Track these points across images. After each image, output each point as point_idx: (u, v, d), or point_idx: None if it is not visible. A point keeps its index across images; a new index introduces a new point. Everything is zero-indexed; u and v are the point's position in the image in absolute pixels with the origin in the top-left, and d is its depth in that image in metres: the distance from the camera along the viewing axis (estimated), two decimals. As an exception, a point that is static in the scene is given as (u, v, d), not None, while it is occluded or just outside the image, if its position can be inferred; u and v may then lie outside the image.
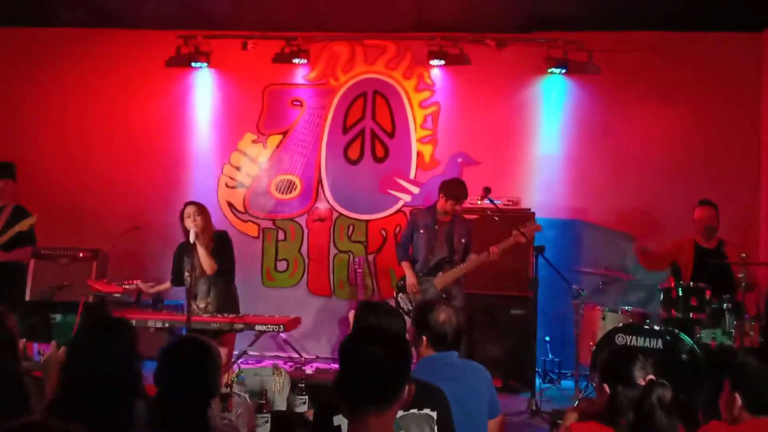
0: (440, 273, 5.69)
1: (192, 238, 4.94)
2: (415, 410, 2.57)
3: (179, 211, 5.28)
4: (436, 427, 2.59)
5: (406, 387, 1.95)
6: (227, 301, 5.28)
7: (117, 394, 2.40)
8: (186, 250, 5.22)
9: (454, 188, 5.70)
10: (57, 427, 1.61)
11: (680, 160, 6.80)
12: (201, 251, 5.06)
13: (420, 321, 3.16)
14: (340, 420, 2.45)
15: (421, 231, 5.80)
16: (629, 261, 6.57)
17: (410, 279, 5.73)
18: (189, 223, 5.10)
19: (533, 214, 6.30)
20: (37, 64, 7.54)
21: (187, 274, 5.21)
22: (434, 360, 3.08)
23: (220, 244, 5.27)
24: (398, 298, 5.82)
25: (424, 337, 3.11)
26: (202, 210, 5.23)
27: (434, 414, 2.60)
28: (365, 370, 1.89)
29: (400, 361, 1.94)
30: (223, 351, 5.15)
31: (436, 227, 5.76)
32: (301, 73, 7.40)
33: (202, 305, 5.21)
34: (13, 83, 7.56)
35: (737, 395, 2.72)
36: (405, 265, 5.80)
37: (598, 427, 2.54)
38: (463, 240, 5.73)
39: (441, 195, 5.72)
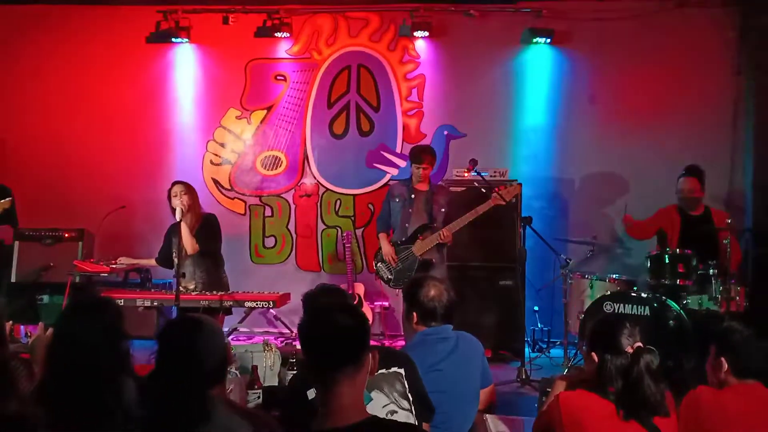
0: (419, 240, 5.70)
1: (178, 217, 4.92)
2: (383, 370, 2.66)
3: (164, 189, 5.25)
4: (405, 381, 2.67)
5: (370, 354, 2.07)
6: (214, 282, 5.27)
7: (105, 374, 2.38)
8: (174, 230, 5.21)
9: (413, 152, 5.83)
10: (11, 414, 1.59)
11: (665, 127, 6.80)
12: (184, 230, 5.03)
13: (410, 297, 3.18)
14: (312, 393, 2.50)
15: (396, 200, 5.85)
16: (616, 230, 6.61)
17: (386, 248, 5.79)
18: (175, 202, 5.07)
19: (520, 185, 6.30)
20: (16, 42, 7.40)
21: (174, 252, 5.21)
22: (428, 334, 3.11)
23: (206, 226, 5.24)
24: (377, 267, 5.90)
25: (414, 313, 3.14)
26: (188, 189, 5.20)
27: (402, 370, 2.69)
28: (334, 336, 2.03)
29: (362, 326, 2.09)
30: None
31: (413, 196, 5.79)
32: (283, 47, 7.31)
33: (191, 286, 5.20)
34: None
35: (723, 360, 2.76)
36: (381, 236, 5.89)
37: (587, 394, 2.57)
38: (443, 209, 5.74)
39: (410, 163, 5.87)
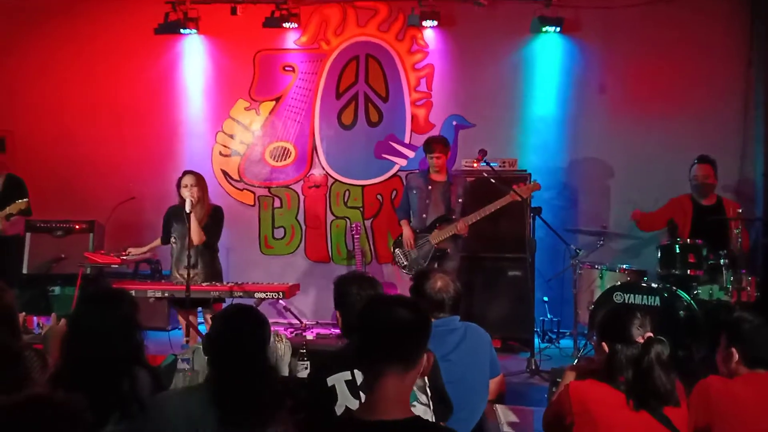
0: (436, 230, 5.79)
1: (188, 208, 4.95)
2: None
3: (173, 180, 5.29)
4: (426, 377, 2.65)
5: (425, 354, 2.00)
6: (213, 271, 5.36)
7: (119, 365, 2.41)
8: (175, 214, 5.26)
9: (425, 143, 6.00)
10: (60, 399, 1.62)
11: (675, 117, 6.76)
12: (193, 222, 5.06)
13: (416, 289, 3.19)
14: (334, 380, 2.50)
15: (414, 192, 5.98)
16: (626, 219, 6.58)
17: (407, 232, 5.93)
18: (185, 193, 5.11)
19: (530, 175, 6.30)
20: (26, 34, 7.43)
21: (173, 238, 5.27)
22: (437, 326, 3.11)
23: (214, 220, 5.31)
24: (394, 253, 6.03)
25: None
26: (199, 181, 5.24)
27: None
28: (393, 330, 1.95)
29: (423, 326, 2.01)
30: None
31: (430, 187, 5.91)
32: (292, 37, 7.30)
33: (185, 274, 5.23)
34: (0, 54, 7.46)
35: (734, 349, 2.75)
36: (404, 222, 6.02)
37: (597, 384, 2.57)
38: (460, 200, 5.83)
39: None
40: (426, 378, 2.65)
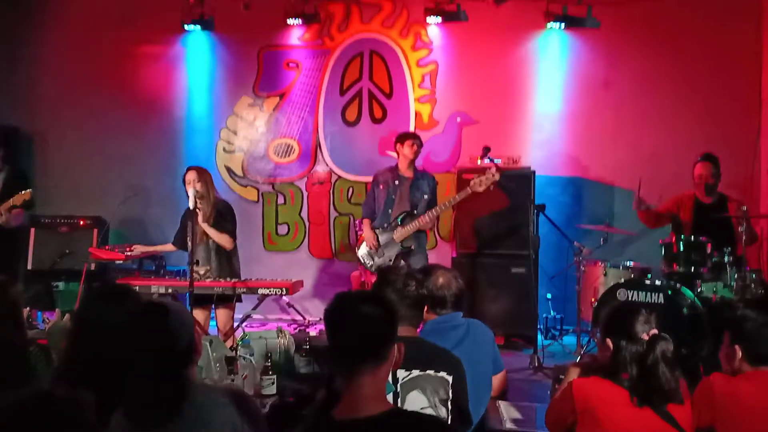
0: (399, 227, 5.78)
1: (191, 204, 4.93)
2: (431, 372, 2.63)
3: (177, 175, 5.28)
4: (450, 390, 2.64)
5: (395, 346, 2.01)
6: (228, 268, 5.28)
7: (123, 361, 2.40)
8: (191, 215, 5.22)
9: (398, 135, 6.00)
10: (64, 396, 1.63)
11: (680, 112, 6.75)
12: (212, 231, 5.06)
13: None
14: None
15: (380, 187, 5.94)
16: (630, 216, 6.56)
17: (367, 234, 5.87)
18: (189, 189, 5.08)
19: (533, 172, 6.29)
20: (28, 28, 7.43)
21: (189, 238, 5.24)
22: (440, 323, 3.12)
23: (221, 215, 5.24)
24: (360, 254, 5.96)
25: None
26: (202, 176, 5.17)
27: (450, 378, 2.66)
28: (360, 328, 1.96)
29: (388, 319, 2.01)
30: (226, 313, 5.21)
31: (396, 183, 5.87)
32: (296, 33, 7.30)
33: (202, 271, 5.21)
34: (6, 48, 7.47)
35: (737, 347, 2.74)
36: (364, 222, 5.97)
37: (601, 381, 2.57)
38: (426, 196, 5.82)
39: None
40: (450, 392, 2.63)
